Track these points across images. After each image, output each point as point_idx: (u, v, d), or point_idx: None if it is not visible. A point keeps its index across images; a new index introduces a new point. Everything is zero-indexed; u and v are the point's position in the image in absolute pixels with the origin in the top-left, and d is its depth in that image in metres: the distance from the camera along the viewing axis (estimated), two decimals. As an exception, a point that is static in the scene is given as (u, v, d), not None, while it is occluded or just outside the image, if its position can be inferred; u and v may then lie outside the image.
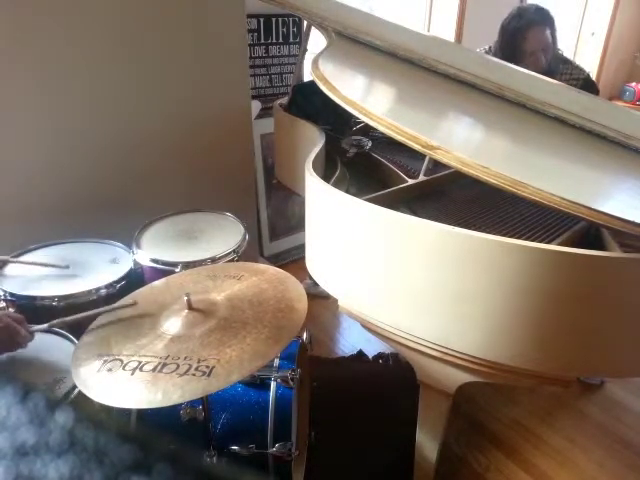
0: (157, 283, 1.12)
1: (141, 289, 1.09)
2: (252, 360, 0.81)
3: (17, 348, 0.98)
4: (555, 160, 1.25)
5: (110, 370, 0.82)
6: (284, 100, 2.02)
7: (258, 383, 1.12)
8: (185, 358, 0.82)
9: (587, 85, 1.97)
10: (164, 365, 0.81)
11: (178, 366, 0.81)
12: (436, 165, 1.52)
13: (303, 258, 1.38)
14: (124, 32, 1.66)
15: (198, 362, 0.81)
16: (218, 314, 0.93)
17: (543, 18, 1.95)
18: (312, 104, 1.80)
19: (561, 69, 1.99)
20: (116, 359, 0.84)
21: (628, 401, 1.82)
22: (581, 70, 2.04)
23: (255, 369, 0.82)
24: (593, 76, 4.08)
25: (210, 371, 0.79)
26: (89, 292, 1.28)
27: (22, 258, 1.40)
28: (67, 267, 1.37)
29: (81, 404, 0.92)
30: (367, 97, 1.33)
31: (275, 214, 2.61)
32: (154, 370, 0.80)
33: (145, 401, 0.76)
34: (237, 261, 1.46)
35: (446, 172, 1.52)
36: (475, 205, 1.39)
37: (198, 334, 0.88)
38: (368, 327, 1.19)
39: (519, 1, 3.42)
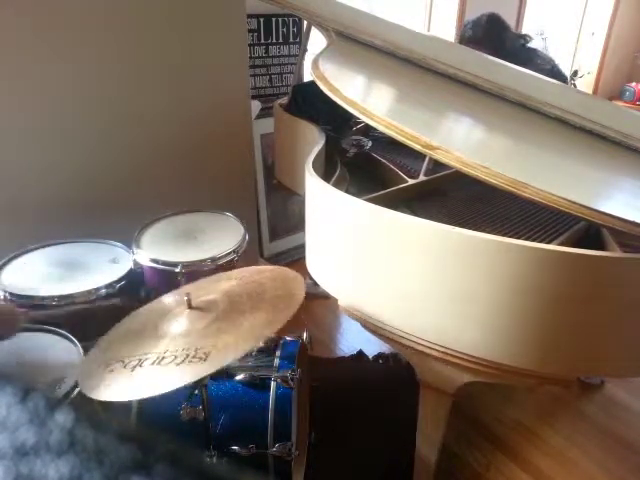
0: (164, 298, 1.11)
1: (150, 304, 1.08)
2: (247, 340, 0.82)
3: (12, 332, 0.97)
4: (555, 160, 1.25)
5: (112, 372, 0.83)
6: (284, 100, 2.02)
7: (258, 383, 1.12)
8: (183, 350, 0.83)
9: (552, 77, 1.85)
10: (163, 358, 0.82)
11: (176, 357, 0.82)
12: (436, 165, 1.52)
13: (303, 258, 1.38)
14: (124, 32, 1.66)
15: (195, 351, 0.82)
16: (218, 310, 0.94)
17: (477, 38, 1.99)
18: (312, 104, 1.80)
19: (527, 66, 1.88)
20: (119, 361, 0.85)
21: (628, 401, 1.82)
22: (547, 60, 1.97)
23: (250, 348, 0.82)
24: (593, 76, 4.09)
25: (207, 357, 0.80)
26: (89, 292, 1.28)
27: (22, 258, 1.40)
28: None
29: (81, 404, 0.92)
30: (367, 97, 1.33)
31: (275, 214, 2.61)
32: (153, 364, 0.81)
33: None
34: (237, 261, 1.45)
35: (446, 172, 1.52)
36: (475, 205, 1.39)
37: (197, 330, 0.89)
38: (368, 327, 1.19)
39: (518, 1, 3.42)
